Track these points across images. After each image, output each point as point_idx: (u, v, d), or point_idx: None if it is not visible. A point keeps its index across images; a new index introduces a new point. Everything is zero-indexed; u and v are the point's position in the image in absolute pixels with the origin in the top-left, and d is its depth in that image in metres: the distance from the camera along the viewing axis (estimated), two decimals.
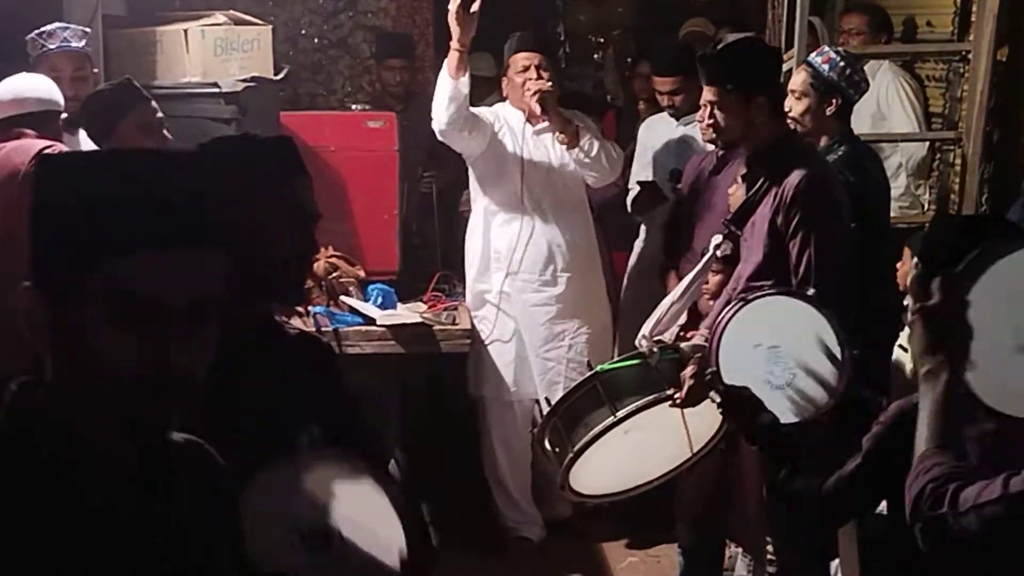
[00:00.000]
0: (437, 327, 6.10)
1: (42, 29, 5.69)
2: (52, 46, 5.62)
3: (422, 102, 7.32)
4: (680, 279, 5.76)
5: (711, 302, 5.54)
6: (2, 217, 4.89)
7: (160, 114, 5.21)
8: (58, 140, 5.25)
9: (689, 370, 4.32)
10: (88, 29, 5.76)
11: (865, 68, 7.03)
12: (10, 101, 5.25)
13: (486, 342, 6.33)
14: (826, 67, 5.33)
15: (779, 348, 4.18)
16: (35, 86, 5.34)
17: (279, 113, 6.58)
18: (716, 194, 5.80)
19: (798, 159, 4.60)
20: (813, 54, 5.52)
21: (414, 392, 6.64)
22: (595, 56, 10.89)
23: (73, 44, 5.62)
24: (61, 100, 5.37)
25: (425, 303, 6.40)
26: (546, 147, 6.24)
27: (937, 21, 7.41)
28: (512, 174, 6.20)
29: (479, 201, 6.37)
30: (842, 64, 5.36)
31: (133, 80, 5.30)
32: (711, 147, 5.74)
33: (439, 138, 6.17)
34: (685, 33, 8.81)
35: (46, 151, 4.91)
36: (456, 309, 6.39)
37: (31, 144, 5.06)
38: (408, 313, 6.13)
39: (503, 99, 6.39)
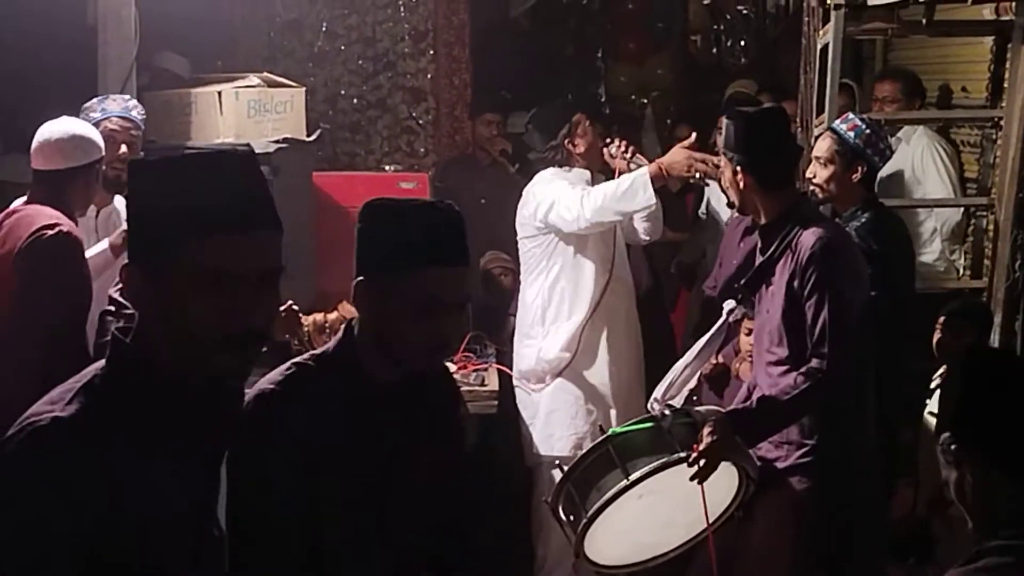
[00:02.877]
0: (465, 388, 6.09)
1: (103, 96, 5.72)
2: (113, 112, 5.62)
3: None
4: None
5: (740, 365, 5.56)
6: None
7: None
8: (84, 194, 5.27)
9: (707, 429, 4.29)
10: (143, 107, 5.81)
11: (900, 133, 7.09)
12: (71, 151, 5.21)
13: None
14: (852, 134, 5.33)
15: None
16: (92, 134, 5.32)
17: (312, 173, 6.63)
18: (736, 253, 5.86)
19: (811, 223, 4.60)
20: (838, 121, 5.52)
21: None
22: (636, 117, 10.90)
23: (132, 115, 5.63)
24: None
25: (455, 363, 6.40)
26: None
27: (972, 87, 7.38)
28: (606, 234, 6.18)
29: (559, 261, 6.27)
30: (868, 132, 5.36)
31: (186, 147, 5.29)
32: None
33: (573, 228, 6.03)
34: (730, 95, 8.85)
35: (45, 229, 4.96)
36: (486, 370, 6.38)
37: (34, 218, 5.09)
38: None
39: (561, 161, 6.28)
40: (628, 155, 6.04)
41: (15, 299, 4.95)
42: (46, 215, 5.03)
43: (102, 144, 5.31)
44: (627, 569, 4.76)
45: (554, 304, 6.15)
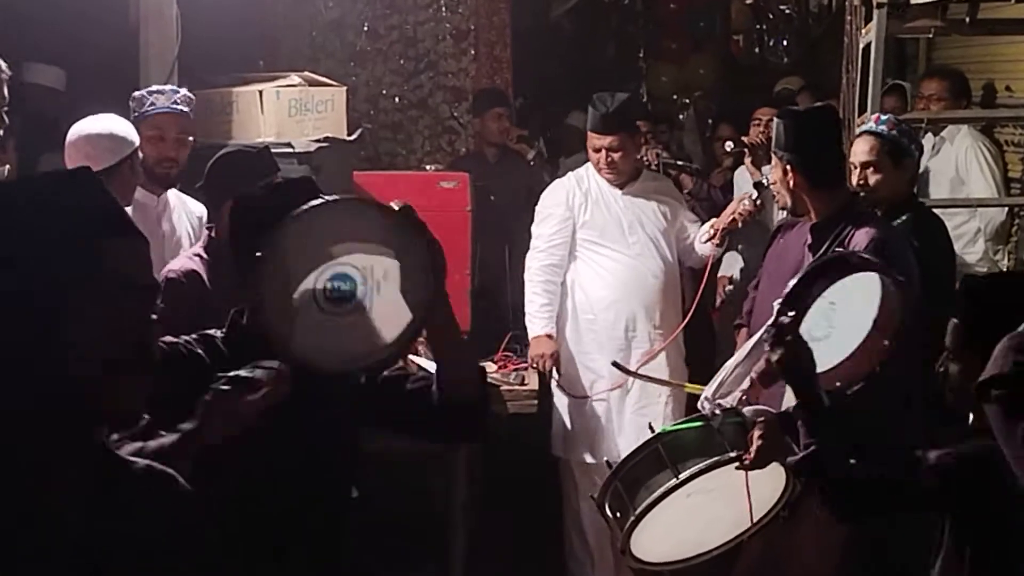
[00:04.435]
0: (505, 387, 6.09)
1: (152, 88, 5.68)
2: (162, 107, 5.59)
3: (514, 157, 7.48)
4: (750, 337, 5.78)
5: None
6: None
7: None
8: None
9: (757, 431, 4.27)
10: (194, 96, 5.78)
11: (944, 132, 7.04)
12: (98, 154, 5.13)
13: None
14: (895, 133, 5.27)
15: (835, 305, 4.12)
16: (119, 131, 5.27)
17: (353, 173, 6.63)
18: (784, 254, 5.81)
19: (863, 223, 4.57)
20: (871, 123, 5.44)
21: (482, 452, 6.64)
22: (679, 116, 10.88)
23: (181, 107, 5.61)
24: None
25: (495, 363, 6.40)
26: None
27: (1016, 86, 7.35)
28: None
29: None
30: (905, 129, 5.32)
31: (269, 147, 5.27)
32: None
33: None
34: (778, 91, 8.88)
35: None
36: (526, 369, 6.37)
37: None
38: None
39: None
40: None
41: None
42: None
43: (134, 137, 5.27)
44: (671, 566, 4.74)
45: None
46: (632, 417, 6.25)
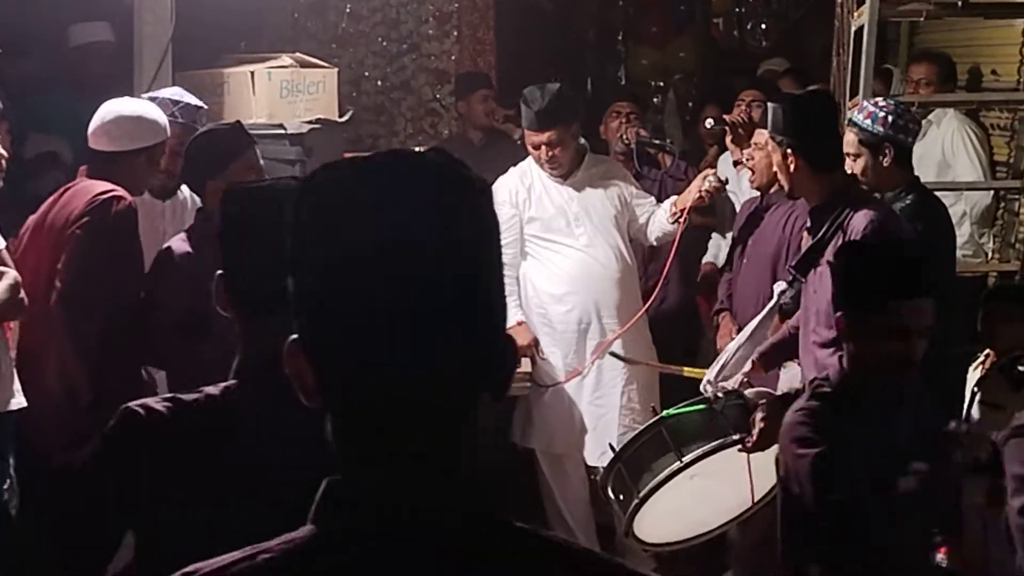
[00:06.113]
0: None
1: (156, 94, 5.58)
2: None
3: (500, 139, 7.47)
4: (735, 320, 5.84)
5: None
6: (52, 258, 4.92)
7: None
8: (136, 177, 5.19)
9: (760, 413, 4.30)
10: (203, 105, 5.69)
11: (931, 116, 7.05)
12: (119, 135, 5.09)
13: None
14: (868, 122, 5.22)
15: None
16: (147, 116, 5.19)
17: (343, 155, 6.59)
18: (763, 237, 5.86)
19: (861, 205, 4.59)
20: (853, 112, 5.42)
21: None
22: (655, 100, 10.88)
23: (181, 120, 5.44)
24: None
25: None
26: None
27: (1003, 70, 7.38)
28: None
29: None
30: (883, 114, 5.25)
31: (242, 123, 5.22)
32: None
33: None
34: (761, 73, 8.92)
35: (102, 195, 4.92)
36: None
37: (91, 187, 5.03)
38: None
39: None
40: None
41: (70, 268, 4.89)
42: (103, 186, 4.97)
43: (162, 126, 5.19)
44: (672, 547, 4.78)
45: None
46: (588, 407, 6.23)
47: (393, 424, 1.46)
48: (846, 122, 5.46)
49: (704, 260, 7.16)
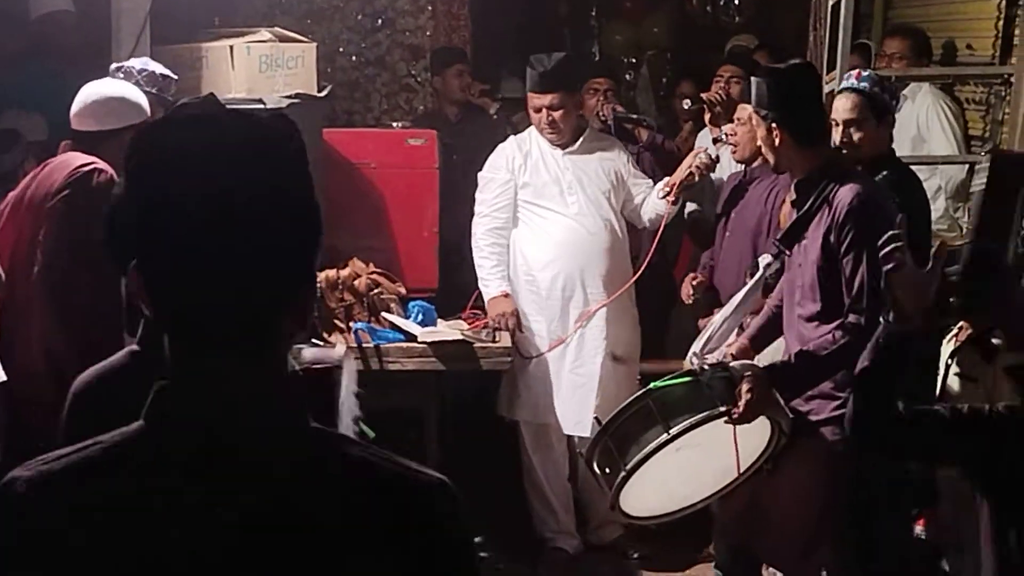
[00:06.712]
0: (478, 344, 6.08)
1: (121, 64, 5.56)
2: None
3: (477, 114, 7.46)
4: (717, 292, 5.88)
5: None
6: (32, 233, 4.91)
7: None
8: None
9: (746, 385, 4.33)
10: (174, 76, 5.66)
11: (906, 91, 7.08)
12: (104, 115, 5.13)
13: None
14: (878, 89, 5.29)
15: None
16: (129, 97, 5.23)
17: (322, 130, 6.58)
18: (745, 210, 5.90)
19: (847, 179, 4.61)
20: (853, 79, 5.44)
21: (454, 409, 6.66)
22: (627, 76, 10.86)
23: (146, 88, 5.39)
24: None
25: (465, 320, 6.40)
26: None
27: (977, 44, 7.40)
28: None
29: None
30: (885, 84, 5.36)
31: (216, 96, 5.19)
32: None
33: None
34: (730, 48, 8.93)
35: (83, 168, 4.91)
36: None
37: (71, 160, 5.02)
38: (449, 330, 6.12)
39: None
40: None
41: (51, 241, 4.87)
42: (84, 158, 4.96)
43: (144, 107, 5.20)
44: (658, 519, 4.81)
45: None
46: (569, 376, 6.29)
47: (206, 333, 1.71)
48: (844, 89, 5.48)
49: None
